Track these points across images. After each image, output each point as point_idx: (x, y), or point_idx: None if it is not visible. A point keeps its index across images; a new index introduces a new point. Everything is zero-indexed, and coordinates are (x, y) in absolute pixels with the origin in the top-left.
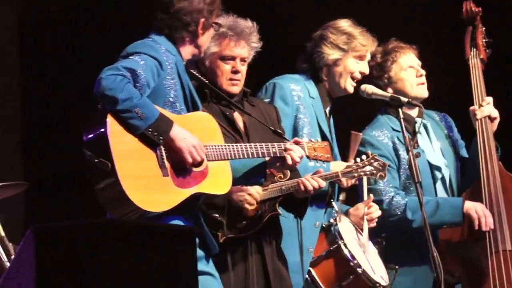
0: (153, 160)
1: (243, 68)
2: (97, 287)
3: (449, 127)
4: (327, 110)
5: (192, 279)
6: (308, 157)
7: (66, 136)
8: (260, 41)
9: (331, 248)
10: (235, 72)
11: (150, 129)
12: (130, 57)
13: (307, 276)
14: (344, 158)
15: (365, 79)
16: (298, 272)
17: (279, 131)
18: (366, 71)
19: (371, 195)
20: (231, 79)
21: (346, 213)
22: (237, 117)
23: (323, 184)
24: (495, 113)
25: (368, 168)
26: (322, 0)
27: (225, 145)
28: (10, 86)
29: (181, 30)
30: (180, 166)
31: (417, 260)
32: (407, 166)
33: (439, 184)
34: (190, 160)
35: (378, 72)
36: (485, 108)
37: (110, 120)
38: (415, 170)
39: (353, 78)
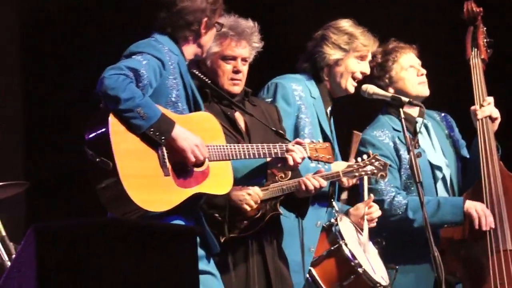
0: (155, 160)
1: (244, 68)
2: (98, 287)
3: (450, 127)
4: (328, 110)
5: (193, 278)
6: (309, 158)
7: (66, 136)
8: (261, 41)
9: (332, 248)
10: (236, 72)
11: (152, 129)
12: (132, 56)
13: (307, 275)
14: (345, 158)
15: (366, 79)
16: (299, 272)
17: (280, 131)
18: (367, 71)
19: (372, 195)
20: (232, 79)
21: (346, 213)
22: (238, 117)
23: (324, 183)
24: (496, 113)
25: (369, 167)
26: (322, 0)
27: (226, 146)
28: (10, 86)
29: (184, 29)
30: (182, 166)
31: (418, 259)
32: (408, 166)
33: (439, 184)
34: (192, 159)
35: (379, 72)
36: (486, 108)
37: (112, 119)
38: (416, 170)
39: (354, 78)
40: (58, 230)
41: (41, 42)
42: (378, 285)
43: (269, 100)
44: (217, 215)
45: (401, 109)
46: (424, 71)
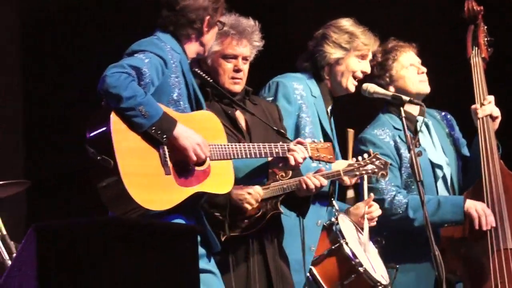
0: (156, 159)
1: (245, 67)
2: (99, 286)
3: (450, 126)
4: (329, 109)
5: (194, 277)
6: (311, 158)
7: (66, 136)
8: (262, 39)
9: (333, 247)
10: (237, 71)
11: (154, 128)
12: (135, 55)
13: (308, 274)
14: (344, 157)
15: (366, 78)
16: (300, 271)
17: (282, 131)
18: (368, 70)
19: (372, 194)
20: (233, 78)
21: (347, 212)
22: (239, 115)
23: (325, 182)
24: (496, 112)
25: (370, 166)
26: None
27: (228, 145)
28: (11, 86)
29: (186, 28)
30: (183, 165)
31: (419, 258)
32: (408, 165)
33: (440, 183)
34: (194, 158)
35: (379, 71)
36: (487, 107)
37: (113, 117)
38: (416, 169)
39: (354, 77)
40: (59, 230)
41: (41, 42)
42: (378, 284)
43: (270, 99)
44: (218, 214)
45: (401, 108)
46: (424, 69)
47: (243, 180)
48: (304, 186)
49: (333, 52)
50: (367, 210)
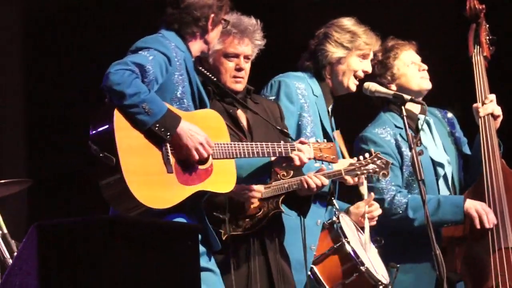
0: (158, 156)
1: (247, 66)
2: (99, 285)
3: (451, 124)
4: (330, 108)
5: (195, 276)
6: (313, 158)
7: (67, 136)
8: (263, 38)
9: (335, 246)
10: (239, 69)
11: (158, 125)
12: (139, 52)
13: (310, 273)
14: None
15: (367, 77)
16: (300, 270)
17: (285, 130)
18: (369, 69)
19: (372, 193)
20: (234, 77)
21: (347, 211)
22: (241, 114)
23: (326, 182)
24: (498, 110)
25: (371, 166)
26: None
27: (231, 144)
28: (12, 86)
29: (191, 25)
30: (185, 163)
31: (419, 258)
32: (410, 163)
33: (441, 181)
34: (196, 156)
35: (381, 69)
36: (488, 106)
37: (117, 115)
38: (417, 167)
39: (356, 77)
40: (60, 228)
41: (42, 42)
42: (379, 283)
43: (272, 98)
44: (218, 213)
45: (403, 107)
46: (425, 67)
47: (246, 179)
48: (306, 185)
49: (334, 51)
50: (368, 210)
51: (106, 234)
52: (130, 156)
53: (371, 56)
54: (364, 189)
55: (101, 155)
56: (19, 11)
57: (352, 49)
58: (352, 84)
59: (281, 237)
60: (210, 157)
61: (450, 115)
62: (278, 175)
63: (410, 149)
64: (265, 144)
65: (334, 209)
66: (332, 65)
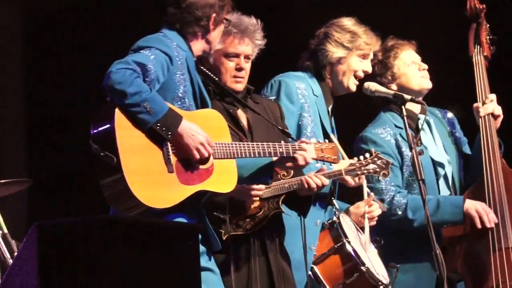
0: (159, 156)
1: (247, 66)
2: (99, 284)
3: (451, 124)
4: (330, 108)
5: (195, 276)
6: (315, 158)
7: (67, 136)
8: (264, 38)
9: (336, 246)
10: (239, 69)
11: (159, 124)
12: (140, 51)
13: (310, 273)
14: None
15: (367, 77)
16: (301, 270)
17: (287, 130)
18: (369, 70)
19: (372, 193)
20: (235, 76)
21: (347, 211)
22: (241, 114)
23: (327, 182)
24: (498, 110)
25: (371, 166)
26: None
27: (232, 144)
28: (12, 86)
29: (192, 25)
30: (186, 163)
31: (419, 258)
32: (410, 163)
33: (441, 181)
34: (197, 156)
35: (381, 69)
36: (489, 105)
37: (118, 114)
38: (418, 167)
39: (356, 77)
40: (60, 228)
41: (42, 42)
42: (380, 283)
43: (273, 98)
44: (219, 213)
45: (403, 106)
46: (425, 66)
47: (248, 179)
48: (306, 185)
49: (335, 51)
50: (368, 210)
51: (106, 234)
52: (131, 156)
53: (371, 56)
54: (364, 189)
55: (101, 154)
56: (19, 11)
57: (352, 49)
58: (352, 84)
59: (281, 237)
60: (211, 156)
61: (450, 115)
62: (279, 175)
63: (411, 149)
64: (266, 144)
65: (334, 209)
66: (332, 65)
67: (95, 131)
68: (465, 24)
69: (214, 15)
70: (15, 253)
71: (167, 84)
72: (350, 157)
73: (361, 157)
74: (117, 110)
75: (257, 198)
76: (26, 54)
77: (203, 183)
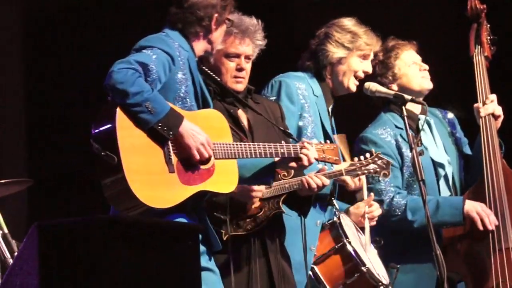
0: (160, 156)
1: (248, 66)
2: (100, 284)
3: (452, 125)
4: (330, 108)
5: (195, 276)
6: (316, 159)
7: (67, 136)
8: (264, 38)
9: (336, 246)
10: (240, 69)
11: (160, 124)
12: (142, 51)
13: (310, 273)
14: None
15: (368, 77)
16: (301, 270)
17: (289, 131)
18: (370, 70)
19: (372, 193)
20: (235, 77)
21: (346, 212)
22: (241, 114)
23: (327, 182)
24: (499, 110)
25: (371, 166)
26: None
27: (233, 144)
28: (12, 86)
29: (194, 25)
30: (187, 163)
31: (420, 258)
32: (410, 164)
33: (442, 182)
34: (197, 157)
35: (382, 69)
36: (489, 106)
37: (119, 113)
38: (418, 168)
39: (356, 77)
40: (60, 228)
41: (42, 42)
42: (380, 284)
43: (273, 98)
44: (219, 213)
45: (403, 107)
46: (426, 67)
47: (250, 179)
48: (306, 185)
49: (335, 52)
50: (368, 210)
51: (106, 234)
52: (132, 155)
53: (372, 56)
54: (363, 190)
55: (102, 154)
56: (19, 11)
57: (353, 49)
58: (353, 85)
59: (281, 237)
60: (212, 157)
61: (450, 115)
62: (279, 175)
63: (411, 149)
64: (268, 145)
65: (334, 210)
66: (333, 65)
67: (96, 130)
68: (466, 24)
69: (216, 15)
70: (16, 253)
71: (169, 84)
72: (352, 158)
73: (362, 157)
74: (118, 110)
75: (257, 199)
76: (26, 54)
77: (204, 183)
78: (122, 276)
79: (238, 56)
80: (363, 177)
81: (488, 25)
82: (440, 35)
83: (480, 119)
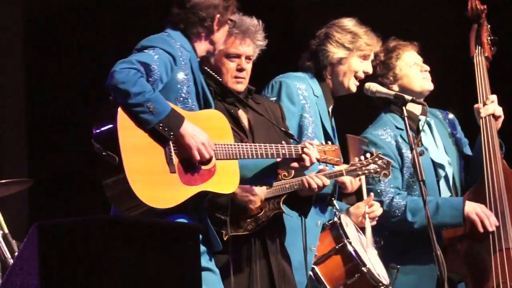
0: (161, 156)
1: (248, 66)
2: (100, 284)
3: (452, 125)
4: (330, 108)
5: (195, 276)
6: (317, 160)
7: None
8: (265, 39)
9: (337, 247)
10: (240, 70)
11: (161, 124)
12: (144, 51)
13: (310, 273)
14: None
15: (369, 78)
16: (301, 271)
17: (290, 132)
18: (370, 70)
19: (372, 193)
20: (236, 77)
21: (347, 212)
22: (242, 115)
23: (328, 182)
24: (499, 111)
25: (372, 166)
26: None
27: (234, 145)
28: (13, 86)
29: (196, 25)
30: (188, 163)
31: (420, 259)
32: (410, 165)
33: (442, 182)
34: (198, 157)
35: (383, 70)
36: (490, 106)
37: (120, 113)
38: (418, 168)
39: (356, 78)
40: (61, 228)
41: (43, 42)
42: (380, 284)
43: (273, 98)
44: (220, 214)
45: (404, 107)
46: (427, 68)
47: (251, 180)
48: (307, 185)
49: (336, 52)
50: (370, 210)
51: (106, 234)
52: (133, 155)
53: (372, 57)
54: (363, 190)
55: (103, 154)
56: (19, 11)
57: (353, 49)
58: (353, 85)
59: (282, 238)
60: (213, 157)
61: (451, 116)
62: (280, 175)
63: (411, 150)
64: (269, 146)
65: (334, 210)
66: (333, 66)
67: (98, 130)
68: (466, 25)
69: (218, 16)
70: (16, 253)
71: (171, 84)
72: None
73: (362, 157)
74: (119, 110)
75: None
76: (26, 54)
77: (205, 184)
78: (122, 276)
79: (238, 56)
80: (363, 177)
81: (489, 26)
82: (440, 35)
83: (481, 120)
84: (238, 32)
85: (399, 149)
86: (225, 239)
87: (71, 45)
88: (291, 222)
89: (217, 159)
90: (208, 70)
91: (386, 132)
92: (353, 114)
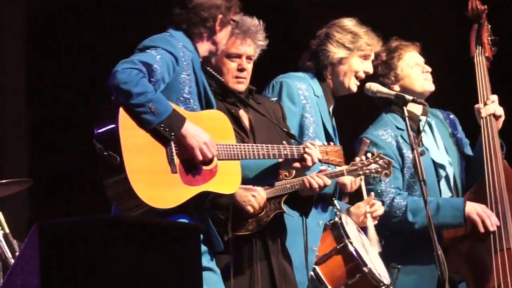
0: (163, 156)
1: (249, 66)
2: (100, 284)
3: (453, 125)
4: (330, 108)
5: (196, 276)
6: (319, 160)
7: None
8: (266, 39)
9: (338, 247)
10: (241, 70)
11: (162, 125)
12: (146, 51)
13: (312, 273)
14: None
15: (369, 78)
16: (302, 271)
17: (291, 132)
18: (370, 70)
19: (372, 193)
20: (237, 77)
21: (347, 212)
22: (243, 114)
23: (328, 182)
24: (500, 111)
25: (373, 166)
26: None
27: (236, 145)
28: (14, 86)
29: (198, 26)
30: (190, 163)
31: (421, 259)
32: (411, 165)
33: (443, 183)
34: (200, 157)
35: (384, 70)
36: (490, 106)
37: (122, 113)
38: (419, 168)
39: (357, 77)
40: (62, 228)
41: (43, 42)
42: (381, 284)
43: (274, 99)
44: (221, 214)
45: (404, 108)
46: (429, 68)
47: (253, 180)
48: (308, 185)
49: (336, 52)
50: (372, 209)
51: (106, 234)
52: (134, 155)
53: (372, 56)
54: (363, 190)
55: (105, 153)
56: (20, 11)
57: (354, 49)
58: (353, 85)
59: (283, 238)
60: (215, 158)
61: (452, 116)
62: (280, 175)
63: (412, 150)
64: (271, 146)
65: (335, 210)
66: (334, 66)
67: (99, 130)
68: (466, 25)
69: (220, 16)
70: (17, 253)
71: (173, 84)
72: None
73: (363, 157)
74: (121, 110)
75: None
76: (27, 54)
77: (206, 184)
78: (122, 276)
79: (239, 56)
80: (362, 177)
81: (489, 26)
82: (440, 35)
83: (481, 120)
84: (239, 32)
85: (399, 149)
86: (226, 239)
87: (71, 45)
88: (292, 222)
89: (219, 159)
90: (210, 70)
91: (386, 132)
92: (354, 114)
